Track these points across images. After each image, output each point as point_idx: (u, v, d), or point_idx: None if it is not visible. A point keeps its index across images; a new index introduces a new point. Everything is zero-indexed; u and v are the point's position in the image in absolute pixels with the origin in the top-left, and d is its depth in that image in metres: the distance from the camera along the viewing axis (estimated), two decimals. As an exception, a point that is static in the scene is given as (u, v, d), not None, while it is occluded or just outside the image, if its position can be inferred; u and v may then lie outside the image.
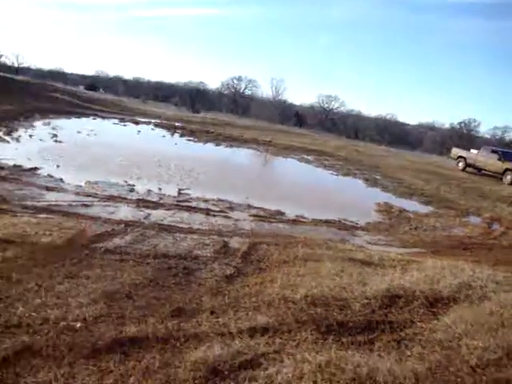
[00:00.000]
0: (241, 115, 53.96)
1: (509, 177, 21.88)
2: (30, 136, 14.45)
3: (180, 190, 10.04)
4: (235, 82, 65.82)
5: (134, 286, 4.30)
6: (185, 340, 3.35)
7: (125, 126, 22.68)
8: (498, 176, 22.72)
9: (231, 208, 9.14)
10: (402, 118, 67.26)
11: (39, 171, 9.58)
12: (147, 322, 3.55)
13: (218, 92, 67.53)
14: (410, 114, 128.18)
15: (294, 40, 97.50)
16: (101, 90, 58.03)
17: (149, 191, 9.36)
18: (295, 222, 9.01)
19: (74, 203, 7.50)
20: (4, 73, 33.90)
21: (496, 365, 3.37)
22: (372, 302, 4.40)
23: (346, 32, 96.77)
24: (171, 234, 6.41)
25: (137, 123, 23.85)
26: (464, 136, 51.84)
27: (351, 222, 9.73)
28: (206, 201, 9.33)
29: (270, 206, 9.71)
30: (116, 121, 23.70)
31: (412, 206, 12.95)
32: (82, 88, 49.61)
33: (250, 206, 9.54)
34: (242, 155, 20.03)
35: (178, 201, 8.99)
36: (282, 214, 9.39)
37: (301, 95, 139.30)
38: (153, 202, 8.50)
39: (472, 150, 25.54)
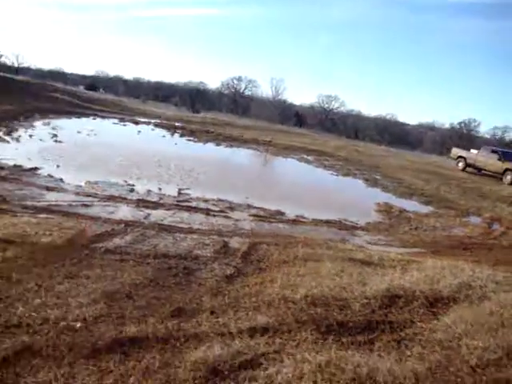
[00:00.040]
0: (241, 115, 53.98)
1: (509, 177, 21.90)
2: (30, 136, 14.45)
3: (180, 189, 10.04)
4: (235, 82, 65.94)
5: (134, 285, 4.30)
6: (185, 340, 3.35)
7: (125, 125, 22.68)
8: (498, 176, 22.73)
9: (231, 208, 9.14)
10: (401, 118, 67.44)
11: (39, 171, 9.58)
12: (147, 321, 3.55)
13: (218, 92, 67.55)
14: (410, 114, 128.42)
15: (294, 40, 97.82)
16: (101, 90, 58.03)
17: (149, 191, 9.36)
18: (295, 221, 9.01)
19: (74, 203, 7.50)
20: (4, 73, 33.89)
21: (496, 365, 3.37)
22: (372, 302, 4.40)
23: (345, 32, 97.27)
24: (171, 234, 6.41)
25: (137, 123, 23.85)
26: (464, 136, 51.85)
27: (351, 222, 9.74)
28: (206, 201, 9.33)
29: (270, 205, 9.72)
30: (116, 121, 23.70)
31: (412, 206, 12.96)
32: (82, 88, 49.57)
33: (249, 206, 9.54)
34: (242, 155, 20.03)
35: (178, 201, 8.99)
36: (282, 214, 9.39)
37: (301, 95, 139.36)
38: (153, 202, 8.50)
39: (472, 150, 25.54)
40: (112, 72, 71.74)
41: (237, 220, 8.28)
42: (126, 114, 27.40)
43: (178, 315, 3.77)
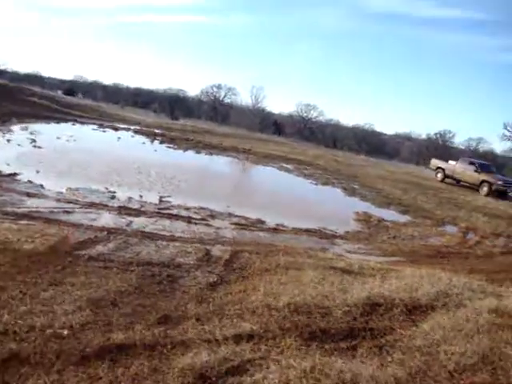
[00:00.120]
0: (220, 123, 54.00)
1: (485, 188, 22.51)
2: (8, 141, 14.25)
3: (161, 197, 10.05)
4: (215, 89, 65.90)
5: (119, 293, 4.32)
6: (172, 347, 3.39)
7: (104, 132, 22.49)
8: (474, 187, 23.29)
9: (212, 216, 9.19)
10: (378, 128, 68.19)
11: (19, 177, 9.48)
12: (134, 329, 3.58)
13: (197, 99, 67.44)
14: (387, 124, 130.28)
15: (275, 49, 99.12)
16: (79, 94, 57.39)
17: (130, 198, 9.34)
18: (276, 230, 9.11)
19: (55, 210, 7.45)
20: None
21: (472, 369, 3.50)
22: (353, 310, 4.50)
23: (324, 42, 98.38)
24: (154, 242, 6.42)
25: (116, 129, 23.67)
26: (440, 147, 52.79)
27: (331, 230, 9.89)
28: (187, 209, 9.36)
29: (250, 214, 9.80)
30: (95, 127, 23.49)
31: (390, 215, 13.20)
32: (60, 93, 48.92)
33: (231, 215, 9.61)
34: (223, 163, 20.09)
35: (159, 208, 9.00)
36: (263, 222, 9.48)
37: (281, 104, 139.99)
38: (134, 210, 8.49)
39: (450, 162, 26.11)
40: (91, 77, 71.13)
41: (218, 228, 8.34)
42: (105, 120, 27.19)
43: (164, 322, 3.81)
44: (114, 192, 9.66)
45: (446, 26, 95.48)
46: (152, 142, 21.68)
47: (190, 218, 8.65)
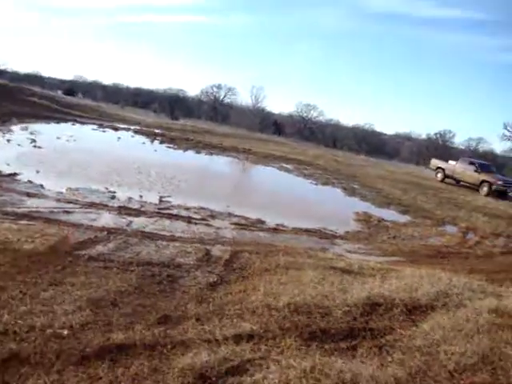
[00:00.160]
0: (220, 123, 54.00)
1: (485, 188, 22.50)
2: (8, 141, 14.25)
3: (161, 197, 10.05)
4: (215, 89, 65.94)
5: (119, 293, 4.32)
6: (172, 347, 3.39)
7: (104, 132, 22.49)
8: (474, 187, 23.29)
9: (212, 216, 9.19)
10: (378, 128, 68.18)
11: (19, 177, 9.48)
12: (134, 329, 3.57)
13: (197, 99, 67.44)
14: (387, 124, 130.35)
15: (275, 49, 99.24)
16: (79, 94, 57.38)
17: (130, 198, 9.34)
18: (276, 230, 9.11)
19: (55, 210, 7.45)
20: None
21: (472, 369, 3.50)
22: (353, 310, 4.50)
23: (324, 42, 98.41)
24: (154, 242, 6.42)
25: (116, 129, 23.66)
26: (440, 147, 52.79)
27: (331, 230, 9.88)
28: (187, 209, 9.36)
29: (250, 214, 9.80)
30: (95, 127, 23.49)
31: (390, 215, 13.20)
32: (59, 93, 48.89)
33: (231, 215, 9.61)
34: (223, 163, 20.09)
35: (159, 208, 9.00)
36: (263, 222, 9.48)
37: (281, 104, 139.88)
38: (134, 210, 8.49)
39: (450, 162, 26.10)
40: (91, 77, 71.17)
41: (218, 228, 8.34)
42: (104, 120, 27.18)
43: (164, 322, 3.81)
44: (114, 192, 9.66)
45: (446, 26, 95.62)
46: (152, 142, 21.67)
47: (189, 217, 8.65)
